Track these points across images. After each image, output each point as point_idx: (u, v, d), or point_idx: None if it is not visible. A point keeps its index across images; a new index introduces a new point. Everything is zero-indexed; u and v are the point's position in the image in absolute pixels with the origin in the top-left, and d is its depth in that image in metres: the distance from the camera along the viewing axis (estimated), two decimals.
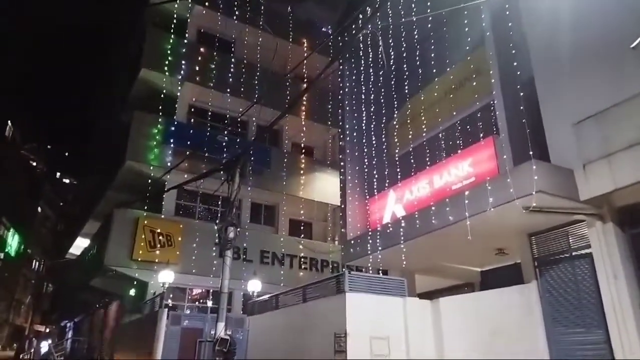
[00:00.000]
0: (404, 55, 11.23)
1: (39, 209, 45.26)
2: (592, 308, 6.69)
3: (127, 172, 15.36)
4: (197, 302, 15.71)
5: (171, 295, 14.08)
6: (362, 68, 12.79)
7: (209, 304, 15.12)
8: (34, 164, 45.49)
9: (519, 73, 7.82)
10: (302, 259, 16.61)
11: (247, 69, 16.96)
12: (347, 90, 13.49)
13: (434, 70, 10.45)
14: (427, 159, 10.28)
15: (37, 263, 47.42)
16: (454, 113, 9.85)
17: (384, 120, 12.41)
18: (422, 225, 8.48)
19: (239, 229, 8.72)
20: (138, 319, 13.73)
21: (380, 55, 11.36)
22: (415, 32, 10.80)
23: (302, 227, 17.47)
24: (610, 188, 6.19)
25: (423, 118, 10.73)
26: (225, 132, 16.05)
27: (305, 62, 10.20)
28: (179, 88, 16.35)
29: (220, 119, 16.86)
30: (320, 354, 7.87)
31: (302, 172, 17.58)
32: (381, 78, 12.14)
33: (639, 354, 5.98)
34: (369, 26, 10.43)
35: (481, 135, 8.88)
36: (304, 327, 8.86)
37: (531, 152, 6.85)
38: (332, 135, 19.12)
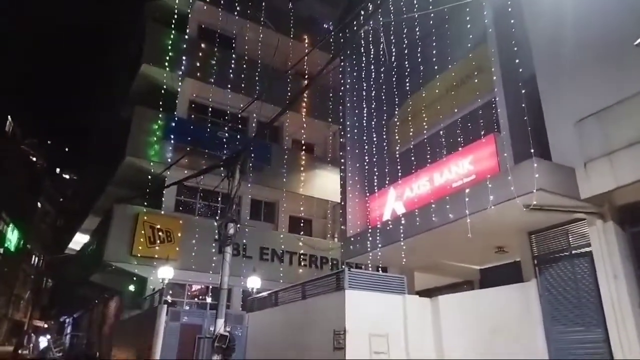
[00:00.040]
0: (406, 51, 11.18)
1: (39, 204, 45.25)
2: (591, 307, 6.68)
3: (127, 168, 15.35)
4: (196, 299, 15.72)
5: (170, 292, 14.10)
6: (363, 65, 12.75)
7: (208, 300, 15.14)
8: (34, 159, 45.43)
9: (520, 70, 7.78)
10: (302, 256, 16.61)
11: (247, 65, 16.92)
12: (348, 86, 13.44)
13: (436, 67, 10.41)
14: (428, 157, 10.26)
15: (37, 258, 47.45)
16: (455, 110, 9.82)
17: (384, 117, 12.37)
18: (422, 223, 8.46)
19: (238, 226, 8.70)
20: (137, 315, 13.75)
21: (381, 52, 11.33)
22: (417, 29, 10.74)
23: (302, 224, 17.46)
24: (612, 186, 6.17)
25: (424, 115, 10.70)
26: (226, 128, 16.02)
27: (306, 58, 10.15)
28: (180, 84, 16.31)
29: (221, 115, 16.84)
30: (319, 350, 7.87)
31: (302, 168, 17.56)
32: (382, 75, 12.10)
33: (638, 353, 5.97)
34: (371, 22, 10.39)
35: (482, 132, 8.85)
36: (303, 324, 8.85)
37: (532, 150, 6.83)
38: (333, 132, 19.08)
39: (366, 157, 12.36)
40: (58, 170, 53.84)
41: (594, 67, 6.71)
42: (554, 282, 7.27)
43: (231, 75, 16.39)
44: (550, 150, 7.11)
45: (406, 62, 11.14)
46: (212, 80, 16.27)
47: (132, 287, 16.12)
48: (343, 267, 10.04)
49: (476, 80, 9.40)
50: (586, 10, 6.92)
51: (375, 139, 12.24)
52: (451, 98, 10.04)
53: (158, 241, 14.23)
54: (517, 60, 7.86)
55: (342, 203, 12.66)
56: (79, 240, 23.26)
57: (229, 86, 16.35)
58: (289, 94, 16.46)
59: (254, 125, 17.80)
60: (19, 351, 33.33)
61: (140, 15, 17.77)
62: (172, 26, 16.45)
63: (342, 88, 13.87)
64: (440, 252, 9.79)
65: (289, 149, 18.26)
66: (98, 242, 16.13)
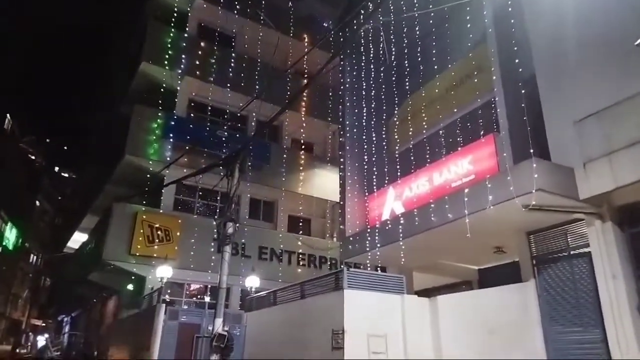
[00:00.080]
0: (405, 51, 11.17)
1: (37, 203, 45.15)
2: (589, 307, 6.68)
3: (126, 166, 15.32)
4: (194, 298, 15.70)
5: (169, 291, 14.07)
6: (363, 64, 12.74)
7: (207, 299, 15.11)
8: (33, 157, 45.34)
9: (520, 70, 7.78)
10: (301, 256, 16.60)
11: (247, 64, 16.89)
12: (347, 86, 13.43)
13: (435, 67, 10.41)
14: (427, 156, 10.26)
15: (35, 257, 47.36)
16: (455, 110, 9.81)
17: (384, 117, 12.36)
18: (421, 223, 8.45)
19: (237, 225, 8.69)
20: (135, 314, 13.73)
21: (381, 51, 11.31)
22: (417, 28, 10.73)
23: (300, 224, 17.45)
24: (611, 187, 6.16)
25: (424, 115, 10.69)
26: (225, 127, 15.99)
27: (305, 57, 10.13)
28: (179, 82, 16.28)
29: (220, 113, 16.81)
30: (318, 350, 7.86)
31: (301, 168, 17.54)
32: (382, 74, 12.10)
33: (636, 353, 5.97)
34: (371, 22, 10.38)
35: (482, 132, 8.85)
36: (302, 324, 8.84)
37: (532, 150, 6.83)
38: (332, 132, 19.07)
39: (365, 157, 12.35)
40: (57, 168, 53.75)
41: (594, 68, 6.71)
42: (552, 282, 7.27)
43: (231, 74, 16.36)
44: (550, 151, 7.11)
45: (406, 62, 11.13)
46: (212, 79, 16.25)
47: (130, 286, 16.09)
48: (342, 266, 10.03)
49: (476, 80, 9.40)
50: (586, 10, 6.91)
51: (374, 139, 12.23)
52: (451, 98, 10.03)
53: (157, 240, 14.20)
54: (516, 60, 7.86)
55: (341, 202, 12.65)
56: (78, 239, 23.22)
57: (229, 85, 16.32)
58: (289, 93, 16.43)
59: (253, 124, 17.77)
60: (17, 350, 33.29)
61: (140, 14, 17.73)
62: (172, 24, 16.42)
63: (342, 87, 13.86)
64: (439, 252, 9.78)
65: (288, 148, 18.24)
66: (97, 240, 16.10)
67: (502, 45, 8.43)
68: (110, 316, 17.84)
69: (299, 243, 16.57)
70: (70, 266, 24.36)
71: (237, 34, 17.75)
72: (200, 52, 16.35)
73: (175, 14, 16.54)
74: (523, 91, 7.56)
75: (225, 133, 15.66)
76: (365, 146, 12.42)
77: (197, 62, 16.17)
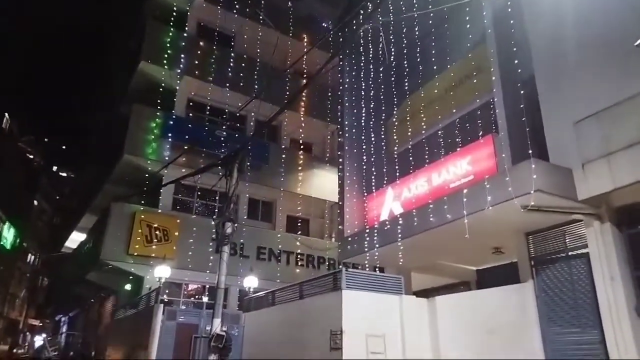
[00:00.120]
0: (405, 51, 11.18)
1: (35, 202, 45.04)
2: (587, 308, 6.68)
3: (124, 166, 15.29)
4: (192, 298, 15.68)
5: (167, 291, 14.05)
6: (362, 64, 12.74)
7: (205, 299, 15.09)
8: (31, 156, 45.24)
9: (519, 71, 7.78)
10: (299, 256, 16.59)
11: (246, 64, 16.89)
12: (346, 86, 13.43)
13: (435, 67, 10.41)
14: (426, 157, 10.25)
15: (33, 256, 47.23)
16: (454, 110, 9.81)
17: (383, 117, 12.36)
18: (420, 223, 8.45)
19: (236, 225, 8.67)
20: (133, 314, 13.69)
21: (380, 51, 11.31)
22: (416, 29, 10.74)
23: (299, 224, 17.44)
24: (609, 188, 6.17)
25: (422, 115, 10.69)
26: (224, 127, 15.98)
27: (305, 57, 10.13)
28: (178, 82, 16.26)
29: (219, 113, 16.80)
30: (316, 351, 7.85)
31: (300, 168, 17.53)
32: (381, 74, 12.10)
33: (634, 354, 5.98)
34: (370, 22, 10.38)
35: (480, 133, 8.85)
36: (300, 324, 8.83)
37: (530, 151, 6.83)
38: (331, 132, 19.07)
39: (364, 157, 12.35)
40: (55, 168, 53.65)
41: (593, 68, 6.71)
42: (550, 283, 7.27)
43: (230, 74, 16.35)
44: (548, 151, 7.11)
45: (405, 62, 11.13)
46: (211, 79, 16.23)
47: (128, 286, 16.06)
48: (340, 267, 10.02)
49: (475, 81, 9.40)
50: (586, 11, 6.92)
51: (373, 139, 12.23)
52: (450, 98, 10.03)
53: (155, 240, 14.17)
54: (516, 61, 7.86)
55: (340, 203, 12.65)
56: (76, 238, 23.16)
57: (228, 85, 16.31)
58: (288, 93, 16.43)
59: (252, 124, 17.76)
60: (14, 350, 33.21)
61: (140, 13, 17.71)
62: (172, 24, 16.40)
63: (341, 87, 13.86)
64: (438, 252, 9.78)
65: (287, 148, 18.23)
66: (95, 240, 16.06)
67: (502, 46, 8.44)
68: (108, 316, 17.79)
69: (298, 243, 16.55)
70: (68, 266, 24.30)
71: (237, 33, 17.74)
72: (199, 52, 16.34)
73: (174, 14, 16.52)
74: (522, 92, 7.56)
75: (224, 133, 15.65)
76: (364, 146, 12.42)
77: (196, 62, 16.16)
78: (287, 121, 18.30)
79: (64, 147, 54.99)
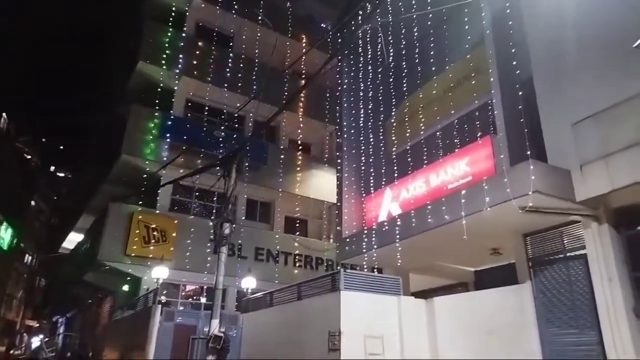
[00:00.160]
0: (403, 52, 11.18)
1: (33, 203, 44.85)
2: (585, 309, 6.69)
3: (122, 166, 15.25)
4: (190, 299, 15.64)
5: (165, 292, 14.00)
6: (360, 65, 12.74)
7: (203, 300, 15.05)
8: (29, 156, 45.07)
9: (518, 72, 7.79)
10: (297, 257, 16.57)
11: (245, 64, 16.87)
12: (345, 87, 13.43)
13: (433, 68, 10.41)
14: (424, 158, 10.25)
15: (30, 257, 47.02)
16: (452, 111, 9.82)
17: (381, 118, 12.36)
18: (418, 224, 8.45)
19: (234, 226, 8.66)
20: (131, 315, 13.64)
21: (379, 52, 11.32)
22: (415, 30, 10.75)
23: (297, 225, 17.42)
24: (607, 189, 6.18)
25: (421, 116, 10.70)
26: (222, 127, 15.96)
27: (303, 58, 10.13)
28: (176, 82, 16.24)
29: (217, 114, 16.78)
30: (314, 352, 7.84)
31: (298, 169, 17.53)
32: (379, 75, 12.10)
33: (631, 355, 5.98)
34: (369, 23, 10.39)
35: (479, 134, 8.86)
36: (298, 325, 8.82)
37: (528, 152, 6.84)
38: (330, 133, 19.06)
39: (362, 158, 12.34)
40: (53, 168, 53.46)
41: (592, 70, 6.73)
42: (548, 284, 7.28)
43: (228, 74, 16.34)
44: (547, 153, 7.12)
45: (404, 63, 11.14)
46: (209, 79, 16.21)
47: (126, 287, 16.00)
48: (338, 267, 10.01)
49: (473, 82, 9.40)
50: (584, 13, 6.93)
51: (371, 140, 12.23)
52: (448, 99, 10.04)
53: (153, 241, 14.14)
54: (514, 62, 7.88)
55: (338, 204, 12.64)
56: (73, 239, 23.09)
57: (226, 85, 16.29)
58: (286, 93, 16.43)
59: (250, 124, 17.74)
60: (11, 351, 33.05)
61: (138, 13, 17.68)
62: (170, 24, 16.38)
63: (339, 88, 13.85)
64: (436, 253, 9.78)
65: (286, 149, 18.22)
66: (92, 241, 16.01)
67: (500, 47, 8.44)
68: (106, 317, 17.73)
69: (296, 244, 16.54)
70: (65, 266, 24.22)
71: (235, 34, 17.73)
72: (197, 52, 16.32)
73: (173, 14, 16.50)
74: (520, 93, 7.58)
75: (223, 133, 15.63)
76: (363, 147, 12.42)
77: (195, 62, 16.14)
78: (285, 122, 18.28)
79: (61, 147, 54.77)
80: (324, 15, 19.44)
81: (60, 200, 47.70)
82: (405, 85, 11.18)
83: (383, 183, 11.45)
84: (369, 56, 12.29)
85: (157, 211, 14.78)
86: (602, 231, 6.58)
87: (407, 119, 11.43)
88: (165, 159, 14.56)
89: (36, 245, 46.62)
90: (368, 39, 12.26)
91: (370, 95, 12.38)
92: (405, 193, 10.33)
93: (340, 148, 13.18)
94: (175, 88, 16.28)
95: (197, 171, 10.96)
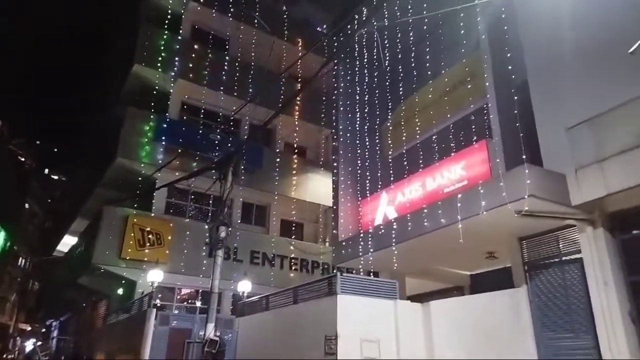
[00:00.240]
0: (399, 56, 11.22)
1: (26, 205, 44.51)
2: (581, 313, 6.70)
3: (117, 169, 15.18)
4: (185, 302, 15.55)
5: (160, 295, 13.91)
6: (356, 69, 12.76)
7: (198, 304, 14.97)
8: (22, 159, 44.75)
9: (513, 77, 7.83)
10: (293, 260, 16.53)
11: (241, 67, 16.87)
12: (341, 90, 13.45)
13: (429, 73, 10.45)
14: (420, 162, 10.27)
15: (23, 260, 46.62)
16: (448, 116, 9.85)
17: (377, 122, 12.38)
18: (414, 228, 8.45)
19: (230, 229, 8.63)
20: (125, 319, 13.54)
21: (375, 56, 11.35)
22: (411, 34, 10.79)
23: (293, 228, 17.39)
24: (602, 193, 6.20)
25: (417, 120, 10.72)
26: (218, 131, 15.92)
27: (299, 61, 10.13)
28: (172, 85, 16.20)
29: (213, 117, 16.75)
30: (311, 356, 7.81)
31: (294, 172, 17.51)
32: (376, 79, 12.13)
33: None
34: (365, 27, 10.41)
35: (474, 138, 8.89)
36: (295, 329, 8.79)
37: (524, 156, 6.87)
38: (325, 136, 19.08)
39: (358, 162, 12.35)
40: (47, 170, 53.09)
41: (586, 75, 6.77)
42: (544, 288, 7.29)
43: (224, 77, 16.32)
44: (542, 157, 7.15)
45: (400, 67, 11.17)
46: (205, 82, 16.19)
47: (120, 291, 15.90)
48: (334, 271, 9.99)
49: (469, 86, 9.44)
50: (580, 17, 6.98)
51: (367, 144, 12.24)
52: (444, 103, 10.07)
53: (148, 244, 14.06)
54: (509, 67, 7.91)
55: (334, 207, 12.62)
56: (67, 242, 22.93)
57: (222, 88, 16.27)
58: (282, 97, 16.43)
59: (246, 127, 17.73)
60: (4, 355, 32.72)
61: (134, 15, 17.65)
62: (166, 26, 16.35)
63: (335, 92, 13.87)
64: (432, 257, 9.79)
65: (281, 152, 18.20)
66: (86, 244, 15.90)
67: (496, 51, 8.49)
68: (100, 321, 17.58)
69: (292, 247, 16.50)
70: (59, 270, 24.03)
71: (231, 37, 17.73)
72: (193, 55, 16.29)
73: (169, 16, 16.48)
74: (516, 98, 7.60)
75: (218, 136, 15.59)
76: (359, 151, 12.43)
77: (191, 65, 16.11)
78: (281, 125, 18.27)
79: (55, 149, 54.45)
80: (320, 18, 19.50)
81: (55, 203, 47.38)
82: (401, 89, 11.22)
83: (379, 187, 11.45)
84: (365, 60, 12.32)
85: (152, 214, 14.71)
86: (598, 235, 6.61)
87: (403, 123, 11.46)
88: (160, 161, 14.51)
89: (30, 248, 46.22)
90: (364, 43, 12.29)
91: (366, 98, 12.40)
92: (401, 197, 10.34)
93: (336, 151, 13.18)
94: (171, 91, 16.24)
95: (192, 174, 10.92)
